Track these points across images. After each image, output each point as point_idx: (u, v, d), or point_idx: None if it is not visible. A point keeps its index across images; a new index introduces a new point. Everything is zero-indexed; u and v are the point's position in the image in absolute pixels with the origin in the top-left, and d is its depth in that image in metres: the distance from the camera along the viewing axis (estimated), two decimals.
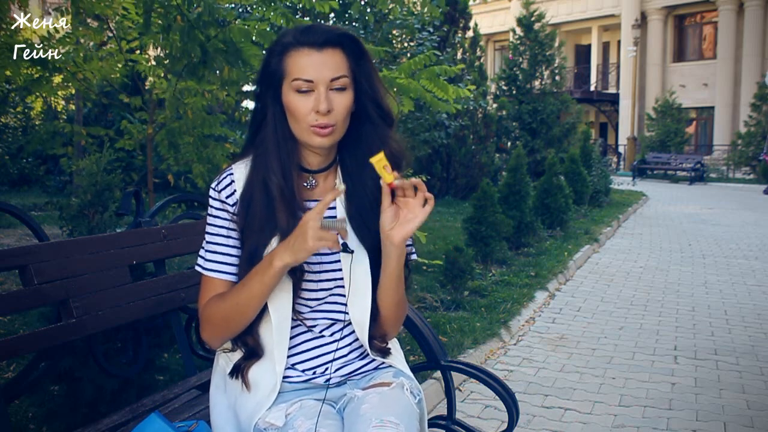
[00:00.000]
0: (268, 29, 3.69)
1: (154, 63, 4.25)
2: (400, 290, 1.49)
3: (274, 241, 1.41)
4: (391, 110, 1.48)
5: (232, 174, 1.45)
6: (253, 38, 3.59)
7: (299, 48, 1.38)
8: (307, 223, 1.29)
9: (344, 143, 1.47)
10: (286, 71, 1.39)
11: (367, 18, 7.67)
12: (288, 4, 3.91)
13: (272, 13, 3.74)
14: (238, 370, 1.45)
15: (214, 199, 1.46)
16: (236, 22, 3.75)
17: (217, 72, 3.74)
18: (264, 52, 1.52)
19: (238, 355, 1.47)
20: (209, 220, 1.46)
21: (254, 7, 3.82)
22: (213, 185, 1.47)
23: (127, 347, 2.37)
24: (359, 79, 1.42)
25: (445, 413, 1.91)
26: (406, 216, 1.38)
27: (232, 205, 1.44)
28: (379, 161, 1.34)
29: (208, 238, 1.46)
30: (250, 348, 1.45)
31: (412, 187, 1.36)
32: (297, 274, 1.42)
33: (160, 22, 3.56)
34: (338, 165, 1.51)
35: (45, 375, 1.93)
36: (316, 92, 1.37)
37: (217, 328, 1.43)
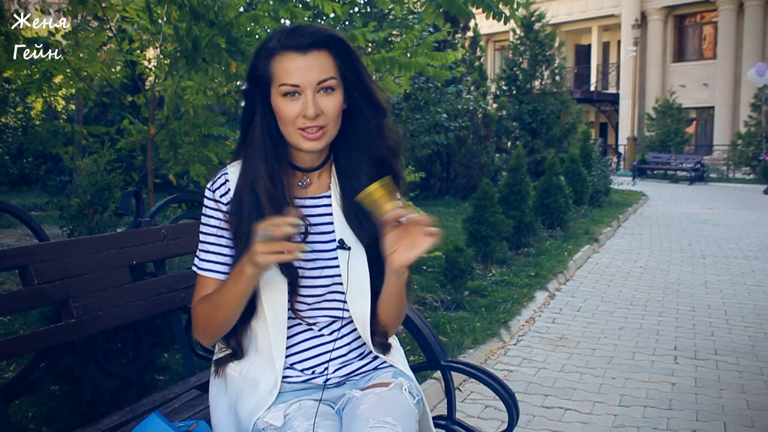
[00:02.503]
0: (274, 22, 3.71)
1: (160, 56, 4.24)
2: (402, 303, 1.50)
3: None
4: (382, 102, 1.48)
5: (226, 174, 1.46)
6: (259, 31, 3.60)
7: (284, 52, 1.37)
8: (255, 239, 1.28)
9: (337, 141, 1.47)
10: (273, 76, 1.38)
11: (367, 19, 7.67)
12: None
13: (282, 10, 3.74)
14: (217, 365, 1.49)
15: (209, 199, 1.46)
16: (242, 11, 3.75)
17: (221, 67, 3.73)
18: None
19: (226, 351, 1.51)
20: (203, 219, 1.47)
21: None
22: (208, 185, 1.48)
23: (127, 347, 2.37)
24: (348, 77, 1.41)
25: (445, 413, 1.91)
26: (409, 243, 1.36)
27: (226, 204, 1.44)
28: (367, 196, 1.30)
29: (202, 237, 1.47)
30: (232, 348, 1.48)
31: (414, 214, 1.33)
32: (291, 272, 1.42)
33: (160, 12, 3.57)
34: (332, 163, 1.51)
35: (45, 375, 1.92)
36: (304, 96, 1.36)
37: (201, 328, 1.46)
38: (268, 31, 3.96)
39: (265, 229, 1.26)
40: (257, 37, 3.90)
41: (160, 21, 3.83)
